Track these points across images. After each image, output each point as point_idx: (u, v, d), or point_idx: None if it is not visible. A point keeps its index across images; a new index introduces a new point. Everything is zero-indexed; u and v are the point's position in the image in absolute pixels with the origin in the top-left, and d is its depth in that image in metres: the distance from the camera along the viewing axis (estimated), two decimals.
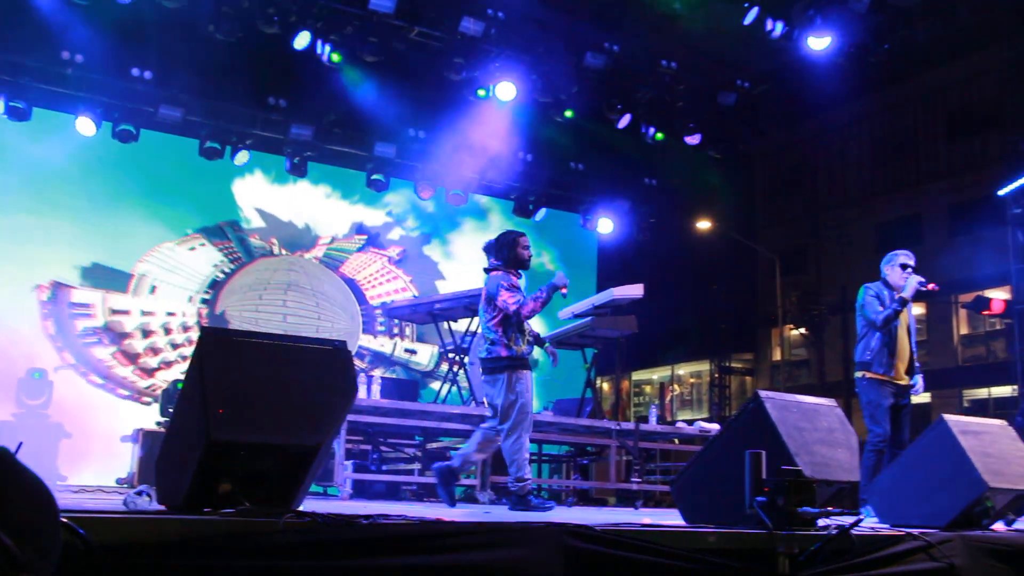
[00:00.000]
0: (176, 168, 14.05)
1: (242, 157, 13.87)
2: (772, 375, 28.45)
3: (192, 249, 14.31)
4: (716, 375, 23.60)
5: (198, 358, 3.09)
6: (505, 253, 6.70)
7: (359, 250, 15.62)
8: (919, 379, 7.06)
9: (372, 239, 15.77)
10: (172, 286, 14.04)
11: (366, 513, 3.20)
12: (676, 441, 11.16)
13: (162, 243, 14.06)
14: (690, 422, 10.76)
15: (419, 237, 16.23)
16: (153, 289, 13.89)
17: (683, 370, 31.94)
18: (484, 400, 6.73)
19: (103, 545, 2.55)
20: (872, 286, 7.13)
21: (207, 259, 14.37)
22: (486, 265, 6.86)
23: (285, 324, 14.38)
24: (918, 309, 25.98)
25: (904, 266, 7.09)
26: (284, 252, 15.01)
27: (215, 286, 14.32)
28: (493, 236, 7.08)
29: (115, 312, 13.57)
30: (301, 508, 3.26)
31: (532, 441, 10.23)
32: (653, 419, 10.11)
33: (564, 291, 6.67)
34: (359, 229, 15.69)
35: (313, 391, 3.16)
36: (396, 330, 15.62)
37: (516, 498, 6.24)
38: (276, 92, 13.45)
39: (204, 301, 14.19)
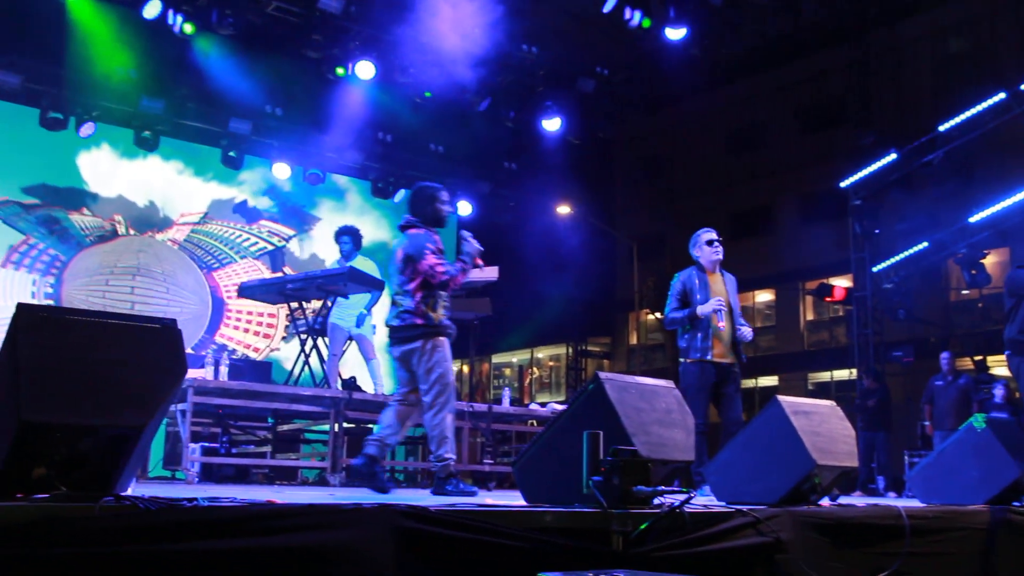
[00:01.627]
0: (14, 139, 13.33)
1: (87, 129, 13.30)
2: (629, 358, 29.08)
3: None
4: (573, 358, 23.95)
5: (11, 334, 2.94)
6: (425, 209, 6.12)
7: (212, 229, 15.17)
8: (746, 329, 7.25)
9: (227, 217, 15.33)
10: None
11: (202, 496, 3.11)
12: (534, 423, 11.27)
13: None
14: (544, 404, 10.88)
15: (275, 216, 15.88)
16: None
17: (542, 353, 32.32)
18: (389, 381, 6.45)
19: None
20: (682, 274, 7.38)
21: None
22: (400, 223, 6.26)
23: (134, 311, 13.81)
24: (767, 295, 27.02)
25: (710, 242, 7.36)
26: (132, 232, 14.42)
27: (55, 266, 13.63)
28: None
29: None
30: (130, 492, 3.15)
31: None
32: (506, 401, 10.18)
33: (480, 262, 6.30)
34: (212, 207, 15.22)
35: (136, 370, 3.03)
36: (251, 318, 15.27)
37: (437, 480, 5.87)
38: (125, 62, 12.93)
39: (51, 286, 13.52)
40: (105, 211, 14.20)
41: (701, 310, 7.10)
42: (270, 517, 2.92)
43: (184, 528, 2.78)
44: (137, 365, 3.04)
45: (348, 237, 10.13)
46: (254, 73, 13.57)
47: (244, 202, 15.40)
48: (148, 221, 14.56)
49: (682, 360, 7.19)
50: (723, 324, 7.19)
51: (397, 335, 5.97)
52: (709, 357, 7.12)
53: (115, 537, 2.68)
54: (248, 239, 15.48)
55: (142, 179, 14.52)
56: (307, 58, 12.96)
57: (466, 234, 6.22)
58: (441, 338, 5.94)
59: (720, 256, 7.34)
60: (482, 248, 6.21)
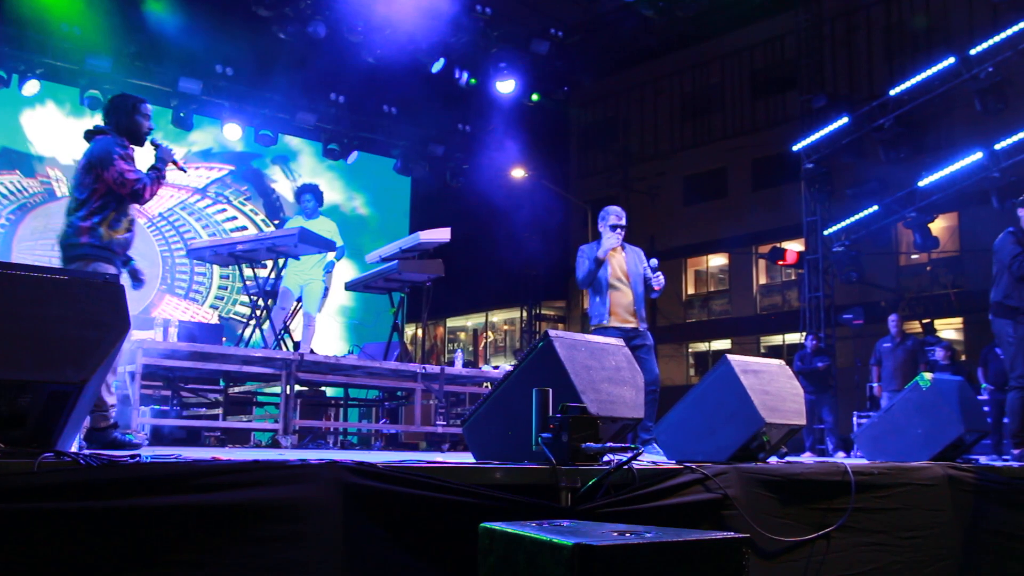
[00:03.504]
0: None
1: (31, 87, 12.99)
2: (583, 322, 29.18)
3: None
4: (528, 322, 23.99)
5: None
6: (120, 120, 5.37)
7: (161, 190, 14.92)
8: (659, 276, 7.42)
9: (175, 178, 15.10)
10: None
11: (145, 453, 3.07)
12: (487, 385, 11.28)
13: None
14: (497, 367, 10.89)
15: (226, 177, 15.66)
16: None
17: (497, 317, 32.34)
18: None
19: None
20: (586, 247, 7.53)
21: None
22: (90, 128, 5.44)
23: None
24: (720, 259, 27.20)
25: (614, 227, 7.44)
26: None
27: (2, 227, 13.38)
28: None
29: None
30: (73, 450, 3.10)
31: (337, 385, 10.18)
32: (459, 363, 10.17)
33: (179, 165, 5.68)
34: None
35: (77, 326, 2.97)
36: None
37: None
38: (69, 19, 12.62)
39: None
40: (50, 172, 13.92)
41: (601, 251, 7.29)
42: (213, 473, 2.89)
43: (126, 485, 2.74)
44: (78, 321, 2.98)
45: (311, 195, 9.98)
46: (204, 32, 13.29)
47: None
48: None
49: (591, 328, 7.33)
50: (624, 291, 7.32)
51: (62, 255, 5.17)
52: (607, 322, 7.27)
53: (55, 494, 2.64)
54: (205, 201, 15.27)
55: None
56: (258, 17, 12.72)
57: (159, 138, 5.61)
58: (101, 263, 5.10)
59: (618, 244, 7.44)
60: (172, 151, 5.59)
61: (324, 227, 9.73)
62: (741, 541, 2.10)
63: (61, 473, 2.68)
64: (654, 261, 7.52)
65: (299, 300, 9.97)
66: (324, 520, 3.12)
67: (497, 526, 2.37)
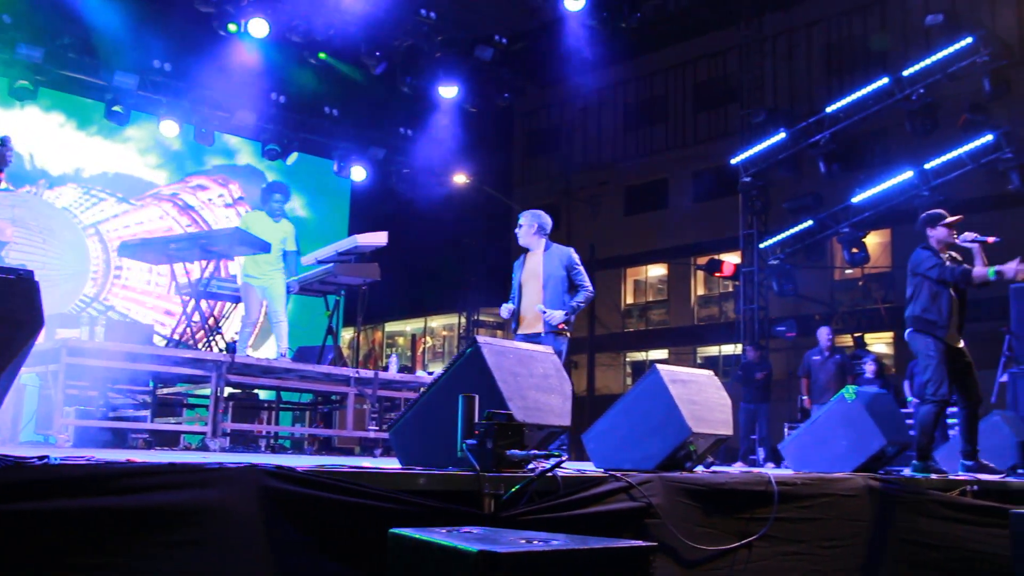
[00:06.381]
0: None
1: None
2: None
3: None
4: (467, 328, 23.97)
5: None
6: None
7: (89, 186, 14.63)
8: (553, 313, 7.29)
9: (113, 175, 14.81)
10: None
11: (55, 455, 3.00)
12: (422, 390, 11.22)
13: None
14: (432, 374, 10.85)
15: (163, 176, 15.41)
16: None
17: (436, 322, 32.24)
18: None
19: None
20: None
21: None
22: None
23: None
24: (660, 270, 27.43)
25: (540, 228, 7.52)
26: (10, 187, 13.77)
27: None
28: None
29: None
30: None
31: (270, 388, 10.06)
32: (394, 368, 10.11)
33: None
34: (92, 163, 14.64)
35: None
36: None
37: None
38: (0, 6, 12.33)
39: None
40: None
41: (502, 312, 7.49)
42: (126, 476, 2.83)
43: (33, 487, 2.67)
44: None
45: (282, 195, 9.72)
46: (142, 25, 13.08)
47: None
48: (25, 176, 13.94)
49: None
50: (530, 298, 7.36)
51: None
52: (514, 328, 7.38)
53: None
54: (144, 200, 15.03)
55: (18, 131, 13.85)
56: (198, 12, 12.55)
57: None
58: None
59: (520, 243, 7.53)
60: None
61: (284, 228, 9.58)
62: (648, 549, 2.11)
63: None
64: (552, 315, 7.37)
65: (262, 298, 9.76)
66: (244, 525, 3.07)
67: (406, 532, 2.36)
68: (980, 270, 6.70)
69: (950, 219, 6.99)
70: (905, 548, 5.40)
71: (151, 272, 14.58)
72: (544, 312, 7.23)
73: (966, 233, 7.00)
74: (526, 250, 7.61)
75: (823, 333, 13.15)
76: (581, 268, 7.46)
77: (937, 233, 7.00)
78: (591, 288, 7.49)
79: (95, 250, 14.50)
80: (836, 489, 5.28)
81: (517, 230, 7.56)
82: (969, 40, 14.33)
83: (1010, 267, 6.61)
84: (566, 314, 7.27)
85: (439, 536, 2.18)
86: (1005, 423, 8.39)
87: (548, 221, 7.63)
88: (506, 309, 7.45)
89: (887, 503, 5.45)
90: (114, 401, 9.87)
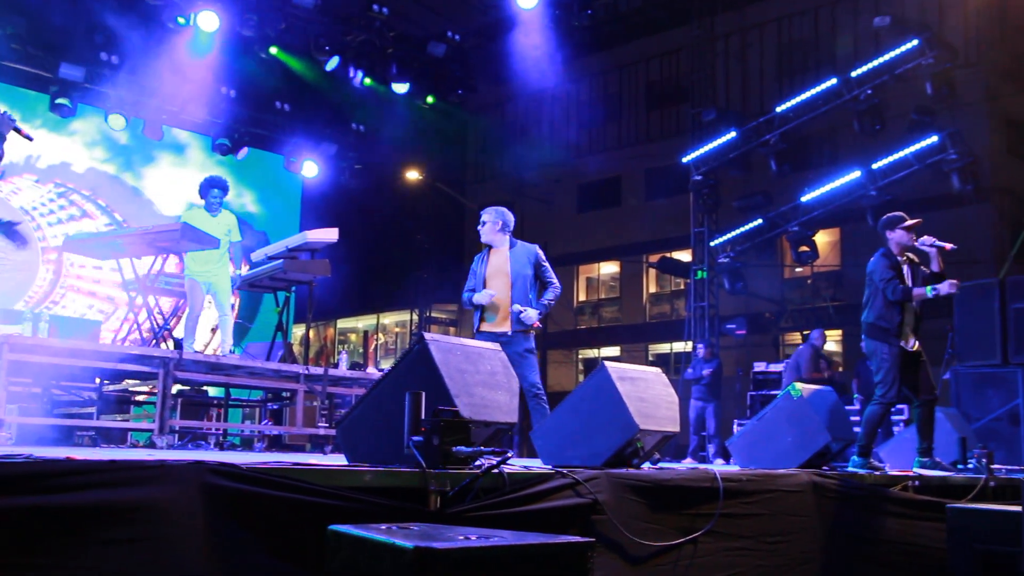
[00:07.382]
0: None
1: None
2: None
3: None
4: (419, 325, 23.91)
5: None
6: None
7: (37, 181, 14.37)
8: (528, 312, 7.18)
9: (56, 168, 14.56)
10: None
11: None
12: None
13: None
14: (383, 369, 10.79)
15: (109, 170, 15.17)
16: None
17: (388, 319, 32.10)
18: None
19: None
20: (479, 255, 7.51)
21: None
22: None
23: None
24: (612, 267, 27.57)
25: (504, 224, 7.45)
26: None
27: None
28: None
29: None
30: None
31: (219, 385, 9.97)
32: (344, 365, 10.06)
33: (23, 133, 5.76)
34: (38, 157, 14.39)
35: None
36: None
37: None
38: None
39: None
40: None
41: (477, 299, 7.24)
42: (65, 474, 2.79)
43: None
44: None
45: (220, 190, 9.60)
46: (89, 16, 12.86)
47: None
48: None
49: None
50: (498, 297, 7.25)
51: None
52: (479, 327, 7.23)
53: None
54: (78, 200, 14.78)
55: None
56: (147, 4, 12.39)
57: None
58: None
59: (482, 240, 7.44)
60: (14, 118, 5.59)
61: (226, 221, 9.49)
62: (586, 545, 2.12)
63: None
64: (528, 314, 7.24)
65: (208, 292, 9.63)
66: (186, 522, 3.05)
67: (344, 529, 2.35)
68: (919, 290, 6.89)
69: (909, 222, 7.09)
70: (848, 542, 5.49)
71: (101, 270, 14.37)
72: (521, 312, 7.14)
73: (925, 237, 7.13)
74: (487, 246, 7.50)
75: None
76: (548, 265, 7.37)
77: (896, 236, 7.11)
78: (559, 284, 7.42)
79: (42, 243, 14.27)
80: (780, 485, 5.35)
81: (480, 227, 7.42)
82: (915, 42, 14.54)
83: (944, 287, 6.83)
84: (540, 313, 7.22)
85: (377, 533, 2.18)
86: (947, 420, 8.56)
87: (512, 218, 7.50)
88: (487, 295, 7.20)
89: (831, 498, 5.53)
90: (59, 398, 9.73)
